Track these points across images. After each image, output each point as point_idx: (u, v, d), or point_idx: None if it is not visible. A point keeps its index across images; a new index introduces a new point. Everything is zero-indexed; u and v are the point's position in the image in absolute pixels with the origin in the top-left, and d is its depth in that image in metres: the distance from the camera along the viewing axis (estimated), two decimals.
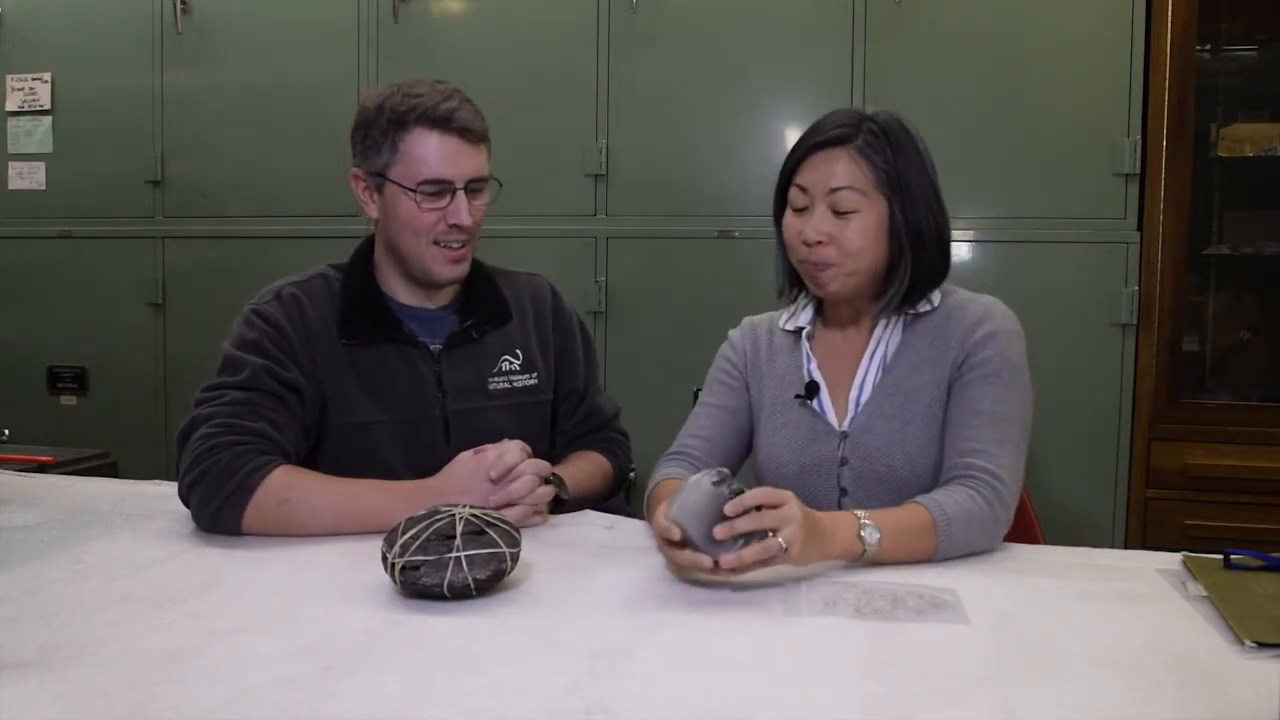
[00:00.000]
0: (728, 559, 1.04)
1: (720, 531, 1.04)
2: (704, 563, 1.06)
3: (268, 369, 1.37)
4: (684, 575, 1.11)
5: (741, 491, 1.07)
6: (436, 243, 1.42)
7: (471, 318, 1.51)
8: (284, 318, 1.42)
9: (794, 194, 1.35)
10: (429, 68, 1.52)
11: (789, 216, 1.37)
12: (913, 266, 1.33)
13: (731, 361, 1.50)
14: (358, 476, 1.33)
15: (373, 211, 1.46)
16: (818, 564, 1.17)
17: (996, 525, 1.23)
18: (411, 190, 1.39)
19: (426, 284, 1.48)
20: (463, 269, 1.47)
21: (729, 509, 1.05)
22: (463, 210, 1.41)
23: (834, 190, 1.31)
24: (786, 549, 1.05)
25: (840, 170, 1.31)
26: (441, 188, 1.40)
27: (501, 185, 1.47)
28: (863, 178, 1.31)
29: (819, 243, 1.32)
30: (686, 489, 1.07)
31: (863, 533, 1.14)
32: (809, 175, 1.33)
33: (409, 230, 1.42)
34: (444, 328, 1.50)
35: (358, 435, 1.43)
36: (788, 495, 1.08)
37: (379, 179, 1.42)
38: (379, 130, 1.40)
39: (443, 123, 1.38)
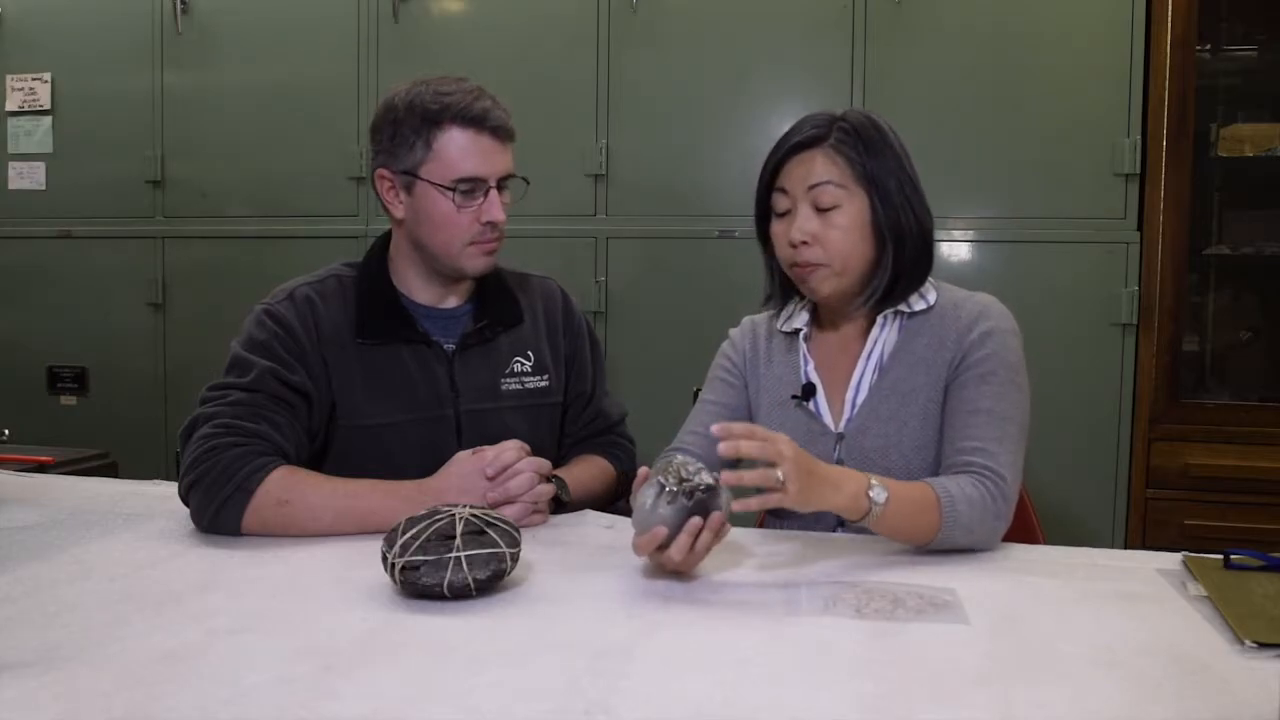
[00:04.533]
0: (728, 476, 1.07)
1: (724, 450, 1.06)
2: (684, 543, 1.07)
3: (274, 372, 1.37)
4: (683, 568, 1.11)
5: (690, 491, 1.08)
6: (471, 243, 1.42)
7: (485, 318, 1.51)
8: (295, 319, 1.42)
9: (776, 199, 1.37)
10: (429, 68, 1.51)
11: (775, 224, 1.38)
12: (894, 261, 1.34)
13: (731, 359, 1.50)
14: (368, 477, 1.33)
15: (399, 212, 1.45)
16: (817, 563, 1.17)
17: (997, 520, 1.23)
18: (448, 189, 1.39)
19: (455, 278, 1.48)
20: (492, 261, 1.47)
21: (716, 430, 1.08)
22: (496, 207, 1.41)
23: (813, 187, 1.32)
24: (783, 481, 1.06)
25: (818, 168, 1.32)
26: (475, 186, 1.40)
27: (529, 183, 1.47)
28: (840, 172, 1.32)
29: (804, 243, 1.33)
30: (640, 506, 1.10)
31: (871, 492, 1.14)
32: (788, 178, 1.35)
33: (443, 231, 1.42)
34: (458, 327, 1.50)
35: (369, 436, 1.43)
36: (780, 436, 1.09)
37: (409, 178, 1.42)
38: (410, 128, 1.40)
39: (477, 121, 1.39)
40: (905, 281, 1.36)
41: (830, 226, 1.32)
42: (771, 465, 1.07)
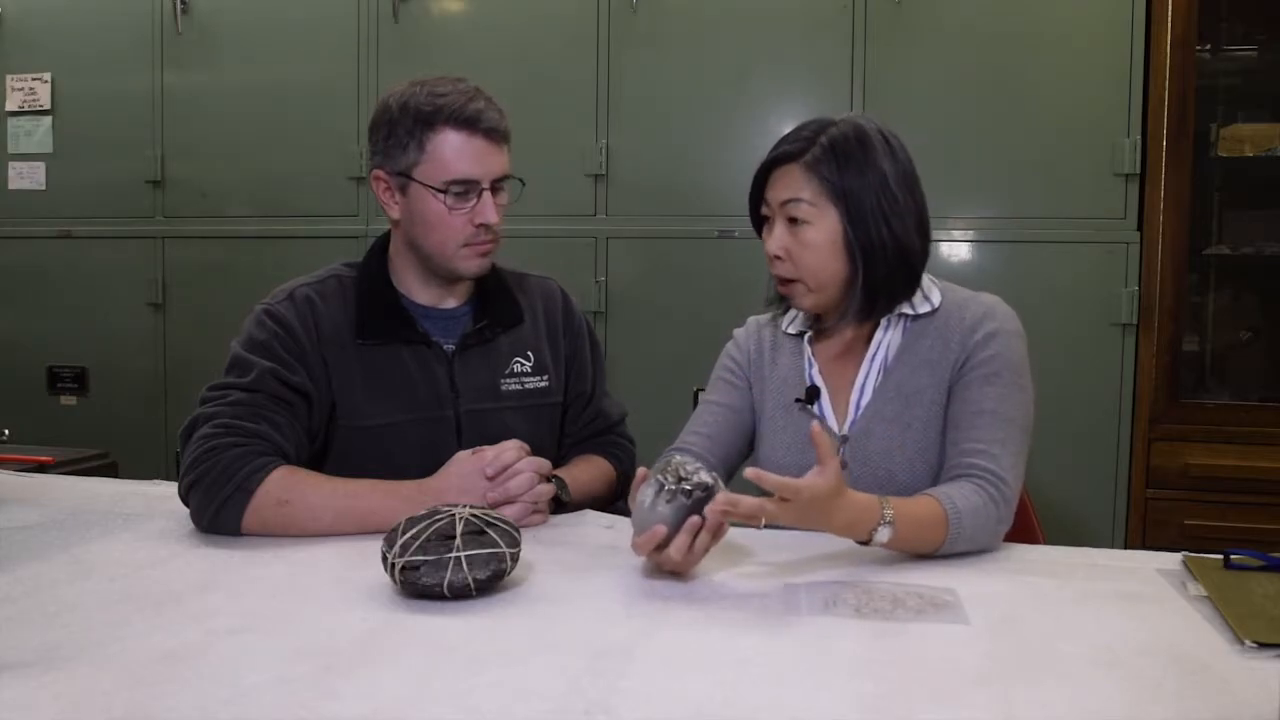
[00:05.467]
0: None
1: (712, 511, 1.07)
2: (683, 542, 1.08)
3: (274, 372, 1.37)
4: (681, 568, 1.11)
5: (689, 490, 1.08)
6: (465, 245, 1.42)
7: (485, 318, 1.51)
8: (295, 319, 1.42)
9: (763, 208, 1.38)
10: (429, 68, 1.51)
11: (764, 231, 1.40)
12: (866, 279, 1.33)
13: (735, 360, 1.50)
14: (368, 477, 1.33)
15: (395, 213, 1.45)
16: (817, 563, 1.17)
17: (999, 524, 1.23)
18: (440, 191, 1.39)
19: (450, 279, 1.48)
20: (488, 263, 1.47)
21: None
22: (489, 209, 1.41)
23: (785, 203, 1.33)
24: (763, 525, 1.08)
25: (791, 184, 1.33)
26: (468, 187, 1.40)
27: (524, 184, 1.47)
28: (812, 190, 1.32)
29: (777, 258, 1.34)
30: (640, 505, 1.10)
31: (876, 533, 1.13)
32: (770, 190, 1.36)
33: (436, 232, 1.41)
34: (457, 328, 1.50)
35: (370, 437, 1.43)
36: (802, 490, 1.06)
37: (403, 179, 1.41)
38: (404, 130, 1.39)
39: (471, 123, 1.38)
40: (885, 298, 1.35)
41: (801, 244, 1.33)
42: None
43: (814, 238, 1.32)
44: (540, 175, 1.55)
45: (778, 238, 1.34)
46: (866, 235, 1.32)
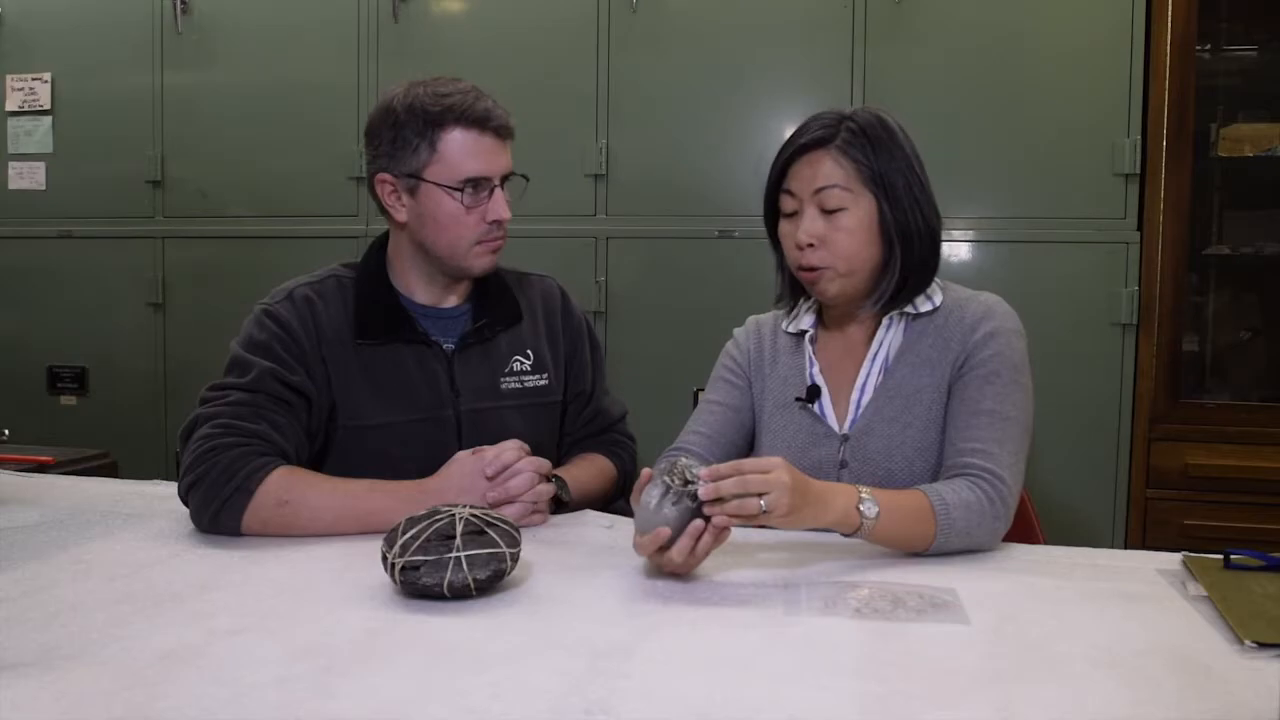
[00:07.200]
0: (712, 510, 1.06)
1: (705, 492, 1.06)
2: (685, 545, 1.07)
3: (274, 372, 1.37)
4: (682, 570, 1.11)
5: (695, 493, 1.08)
6: (478, 242, 1.43)
7: (484, 317, 1.51)
8: (295, 319, 1.42)
9: (784, 200, 1.37)
10: (429, 68, 1.52)
11: (783, 224, 1.38)
12: (902, 263, 1.33)
13: (735, 359, 1.50)
14: (369, 477, 1.33)
15: (402, 216, 1.45)
16: (817, 563, 1.17)
17: (996, 521, 1.23)
18: (456, 190, 1.40)
19: (457, 278, 1.49)
20: (495, 260, 1.48)
21: (706, 474, 1.07)
22: (501, 205, 1.42)
23: (819, 190, 1.32)
24: (767, 510, 1.06)
25: (824, 170, 1.32)
26: (481, 185, 1.41)
27: (528, 180, 1.48)
28: (846, 174, 1.32)
29: (810, 245, 1.33)
30: (644, 506, 1.10)
31: (862, 506, 1.14)
32: (795, 180, 1.35)
33: (449, 231, 1.42)
34: (457, 327, 1.50)
35: (370, 436, 1.44)
36: (776, 461, 1.08)
37: (413, 180, 1.42)
38: (412, 131, 1.40)
39: (480, 122, 1.40)
40: (913, 283, 1.35)
41: (836, 229, 1.32)
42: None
43: (849, 223, 1.32)
44: (540, 175, 1.55)
45: (809, 225, 1.32)
46: (904, 218, 1.32)
